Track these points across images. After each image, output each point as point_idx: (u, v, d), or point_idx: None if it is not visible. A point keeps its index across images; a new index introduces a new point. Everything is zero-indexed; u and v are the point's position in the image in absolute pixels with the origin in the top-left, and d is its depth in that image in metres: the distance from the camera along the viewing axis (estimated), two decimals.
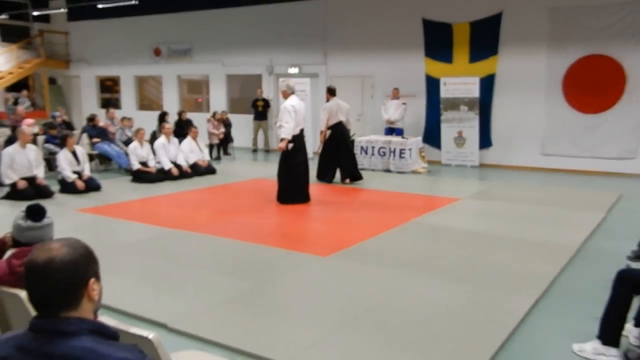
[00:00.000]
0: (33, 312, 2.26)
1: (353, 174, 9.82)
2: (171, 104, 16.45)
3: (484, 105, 11.94)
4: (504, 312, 4.02)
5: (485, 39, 11.88)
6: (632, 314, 3.38)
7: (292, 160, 7.93)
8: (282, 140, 7.84)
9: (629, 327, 3.44)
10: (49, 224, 2.85)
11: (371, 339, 3.60)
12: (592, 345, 3.35)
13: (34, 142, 9.60)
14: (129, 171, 10.22)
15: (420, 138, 11.88)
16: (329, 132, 9.69)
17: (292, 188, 7.99)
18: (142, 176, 9.80)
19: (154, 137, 12.32)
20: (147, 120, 13.61)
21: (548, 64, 11.36)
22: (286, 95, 7.94)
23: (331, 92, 9.85)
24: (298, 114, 7.83)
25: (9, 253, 2.90)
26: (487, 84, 11.95)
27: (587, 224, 6.71)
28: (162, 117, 12.31)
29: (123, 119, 11.99)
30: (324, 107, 9.97)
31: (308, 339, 3.56)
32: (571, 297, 4.44)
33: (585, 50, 10.96)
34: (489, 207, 7.96)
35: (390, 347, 3.49)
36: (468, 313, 4.06)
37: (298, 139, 7.92)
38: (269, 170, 11.13)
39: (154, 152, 10.18)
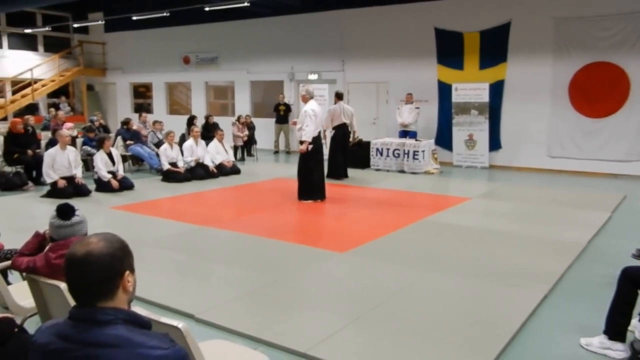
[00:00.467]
0: (71, 302, 2.28)
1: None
2: (199, 108, 16.57)
3: (493, 110, 11.81)
4: (513, 307, 3.95)
5: (495, 47, 11.76)
6: (637, 309, 3.31)
7: (310, 160, 7.94)
8: (302, 142, 7.85)
9: (634, 323, 3.37)
10: (79, 222, 2.85)
11: (386, 331, 3.58)
12: (599, 340, 3.28)
13: (73, 144, 9.75)
14: (160, 171, 10.30)
15: (432, 140, 11.80)
16: (332, 132, 9.93)
17: (310, 186, 8.01)
18: (171, 176, 9.87)
19: (183, 140, 12.42)
20: (177, 124, 13.73)
21: (554, 70, 11.20)
22: (306, 99, 7.95)
23: (339, 96, 10.23)
24: (317, 117, 7.87)
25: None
26: (497, 90, 11.82)
27: (593, 223, 6.59)
28: (191, 121, 12.42)
29: (154, 122, 12.10)
30: (329, 109, 10.07)
31: (326, 330, 3.54)
32: (578, 293, 4.36)
33: (590, 58, 10.78)
34: (498, 206, 7.87)
35: (403, 339, 3.45)
36: (478, 307, 4.01)
37: (316, 141, 7.93)
38: (289, 171, 11.15)
39: (182, 154, 10.26)
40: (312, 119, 7.75)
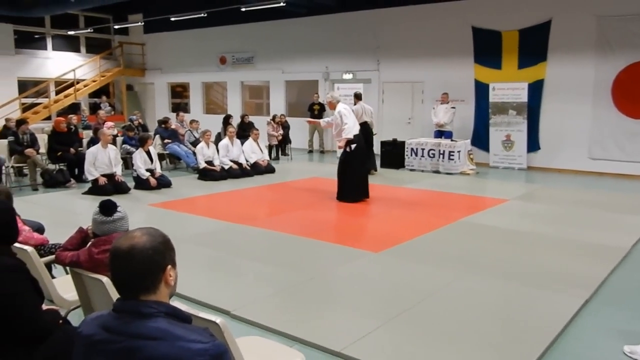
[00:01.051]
0: (113, 295, 2.34)
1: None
2: (235, 107, 16.76)
3: (532, 110, 11.53)
4: (553, 312, 3.85)
5: (534, 46, 11.49)
6: None
7: (352, 159, 7.92)
8: (341, 140, 7.86)
9: (634, 349, 3.23)
10: (120, 218, 2.91)
11: (420, 333, 3.54)
12: None
13: (114, 142, 9.99)
14: (196, 169, 10.46)
15: (468, 141, 11.61)
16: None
17: (351, 186, 7.96)
18: (207, 174, 10.00)
19: (218, 138, 12.58)
20: (213, 123, 13.92)
21: (596, 70, 10.86)
22: (333, 106, 8.06)
23: (358, 97, 10.67)
24: (351, 114, 7.96)
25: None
26: (536, 89, 11.54)
27: (637, 228, 6.36)
28: (227, 120, 12.57)
29: (191, 121, 12.30)
30: (351, 109, 10.12)
31: (361, 330, 3.53)
32: (621, 299, 4.22)
33: (634, 57, 10.39)
34: (537, 208, 7.68)
35: (437, 341, 3.41)
36: (516, 311, 3.92)
37: (359, 140, 7.93)
38: (323, 170, 11.17)
39: (218, 152, 10.39)
40: (349, 114, 7.85)
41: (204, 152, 10.12)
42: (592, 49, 10.87)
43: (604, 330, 3.61)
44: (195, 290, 4.20)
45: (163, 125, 11.67)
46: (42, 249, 3.85)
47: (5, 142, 9.52)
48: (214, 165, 10.11)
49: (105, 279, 2.57)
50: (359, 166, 7.99)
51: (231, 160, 10.35)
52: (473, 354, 3.23)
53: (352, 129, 7.81)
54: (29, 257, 3.09)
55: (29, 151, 9.16)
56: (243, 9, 13.86)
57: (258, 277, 4.71)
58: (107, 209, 2.88)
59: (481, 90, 12.23)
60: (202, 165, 10.04)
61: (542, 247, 5.57)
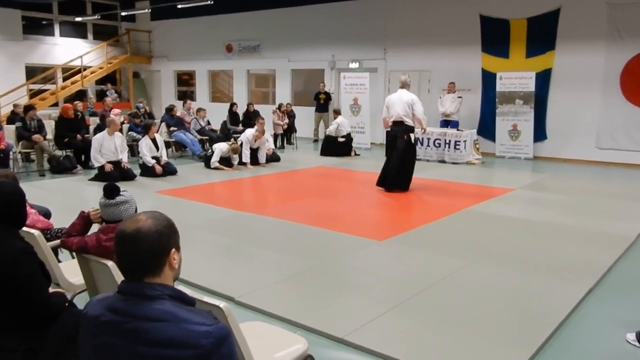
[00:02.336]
0: (118, 280, 2.36)
1: None
2: (240, 96, 16.73)
3: (539, 99, 11.45)
4: (558, 299, 3.85)
5: (543, 34, 11.38)
6: None
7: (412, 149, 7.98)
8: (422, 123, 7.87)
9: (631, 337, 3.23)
10: (123, 202, 2.88)
11: (425, 319, 3.55)
12: None
13: (120, 129, 10.01)
14: (202, 157, 10.47)
15: (474, 130, 11.55)
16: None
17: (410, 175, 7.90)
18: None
19: (225, 127, 12.59)
20: (219, 111, 13.92)
21: (606, 59, 10.75)
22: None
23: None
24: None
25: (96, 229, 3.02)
26: (544, 79, 11.45)
27: None
28: (232, 108, 12.58)
29: (198, 109, 12.29)
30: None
31: (365, 317, 3.54)
32: (626, 287, 4.21)
33: None
34: (544, 197, 7.65)
35: (443, 327, 3.42)
36: (521, 298, 3.92)
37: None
38: (328, 159, 11.15)
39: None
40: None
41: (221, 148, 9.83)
42: (602, 38, 10.76)
43: (609, 318, 3.61)
44: (201, 277, 4.22)
45: (169, 113, 11.67)
46: (49, 232, 3.88)
47: (13, 127, 9.57)
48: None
49: (110, 264, 2.59)
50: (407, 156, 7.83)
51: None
52: (477, 339, 3.24)
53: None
54: (35, 240, 3.12)
55: (37, 137, 9.20)
56: None
57: (263, 264, 4.72)
58: (110, 191, 2.88)
59: (488, 79, 12.14)
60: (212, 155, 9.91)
61: (549, 236, 5.56)
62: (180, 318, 1.44)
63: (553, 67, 11.41)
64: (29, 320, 2.27)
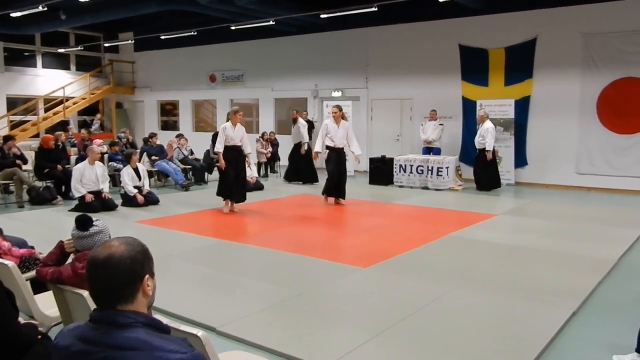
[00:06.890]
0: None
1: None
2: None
3: (519, 126, 11.66)
4: (542, 324, 3.84)
5: (521, 63, 11.65)
6: None
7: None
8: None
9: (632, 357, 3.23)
10: (98, 232, 2.84)
11: (410, 346, 3.50)
12: (632, 358, 3.16)
13: (101, 160, 9.94)
14: (184, 187, 10.40)
15: (457, 157, 11.68)
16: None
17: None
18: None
19: (208, 156, 12.54)
20: (202, 141, 13.90)
21: (582, 87, 11.03)
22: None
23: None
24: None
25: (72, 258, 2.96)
26: (523, 106, 11.68)
27: (624, 240, 6.40)
28: (215, 138, 12.48)
29: (178, 136, 12.17)
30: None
31: (348, 345, 3.48)
32: (610, 310, 4.22)
33: (621, 73, 10.58)
34: (526, 223, 7.70)
35: (427, 354, 3.37)
36: (505, 323, 3.90)
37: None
38: (312, 188, 11.15)
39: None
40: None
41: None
42: (578, 66, 11.05)
43: (593, 342, 3.60)
44: (182, 307, 4.14)
45: (149, 143, 11.61)
46: (27, 260, 3.79)
47: None
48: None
49: (86, 294, 2.53)
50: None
51: None
52: None
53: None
54: (9, 272, 3.04)
55: (18, 162, 9.12)
56: (233, 28, 13.95)
57: (246, 293, 4.65)
58: (83, 223, 2.83)
59: (469, 107, 12.35)
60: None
61: (532, 260, 5.57)
62: (153, 346, 1.40)
63: (532, 95, 11.66)
64: (1, 353, 2.19)
